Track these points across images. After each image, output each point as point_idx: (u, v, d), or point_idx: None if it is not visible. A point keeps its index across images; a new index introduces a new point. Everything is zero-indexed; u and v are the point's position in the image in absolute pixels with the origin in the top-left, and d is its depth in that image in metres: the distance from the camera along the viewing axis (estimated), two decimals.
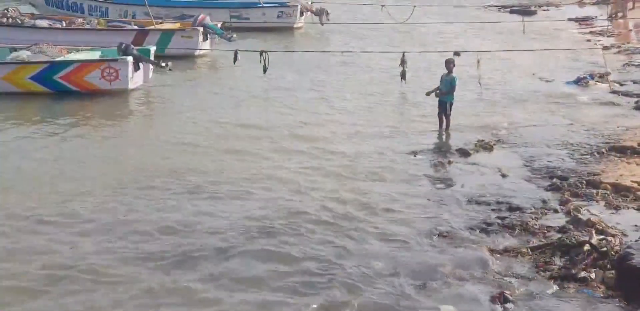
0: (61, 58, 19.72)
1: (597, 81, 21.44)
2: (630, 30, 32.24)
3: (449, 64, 16.60)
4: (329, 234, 10.89)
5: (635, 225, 11.30)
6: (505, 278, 9.72)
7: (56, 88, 19.17)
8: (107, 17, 29.94)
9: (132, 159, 14.34)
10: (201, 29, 25.09)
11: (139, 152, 14.79)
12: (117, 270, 9.72)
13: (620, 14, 34.39)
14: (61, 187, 12.64)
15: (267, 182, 13.01)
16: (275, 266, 9.92)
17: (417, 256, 10.32)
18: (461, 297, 9.28)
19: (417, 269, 9.93)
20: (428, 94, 17.00)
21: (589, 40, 29.02)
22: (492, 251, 10.46)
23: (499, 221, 11.47)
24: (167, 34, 24.83)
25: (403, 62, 20.65)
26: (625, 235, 10.82)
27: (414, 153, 14.92)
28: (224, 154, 14.58)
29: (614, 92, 20.58)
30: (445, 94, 16.55)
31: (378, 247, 10.58)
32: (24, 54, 19.57)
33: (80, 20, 26.26)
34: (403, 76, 20.60)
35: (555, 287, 9.50)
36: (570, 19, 34.57)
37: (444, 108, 16.60)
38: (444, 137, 16.29)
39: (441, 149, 15.27)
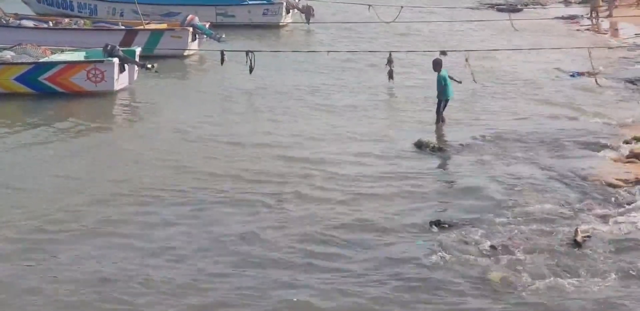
0: (45, 59, 19.63)
1: (589, 76, 21.51)
2: (616, 29, 32.40)
3: (436, 65, 16.83)
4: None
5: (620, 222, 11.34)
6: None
7: (41, 89, 19.09)
8: (96, 14, 30.01)
9: (118, 167, 14.07)
10: (191, 29, 25.06)
11: (125, 160, 14.52)
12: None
13: (606, 13, 34.63)
14: (40, 197, 12.30)
15: (270, 189, 12.66)
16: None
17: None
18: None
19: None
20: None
21: (576, 38, 29.14)
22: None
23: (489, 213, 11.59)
24: (157, 34, 24.77)
25: (390, 62, 20.73)
26: (610, 233, 10.88)
27: (415, 149, 15.05)
28: (210, 162, 14.23)
29: (601, 88, 20.67)
30: (440, 93, 16.77)
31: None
32: (8, 55, 19.47)
33: (67, 20, 26.15)
34: (390, 75, 20.65)
35: None
36: (557, 17, 34.70)
37: (441, 105, 16.84)
38: (440, 133, 16.42)
39: (437, 145, 15.22)
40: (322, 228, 11.11)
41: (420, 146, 15.14)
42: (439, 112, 16.88)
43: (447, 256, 10.09)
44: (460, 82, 17.69)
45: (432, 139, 15.62)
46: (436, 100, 17.01)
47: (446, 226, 11.07)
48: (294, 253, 10.31)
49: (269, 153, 14.75)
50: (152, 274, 9.68)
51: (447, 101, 16.89)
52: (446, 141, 15.81)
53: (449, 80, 16.89)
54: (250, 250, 10.37)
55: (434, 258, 10.07)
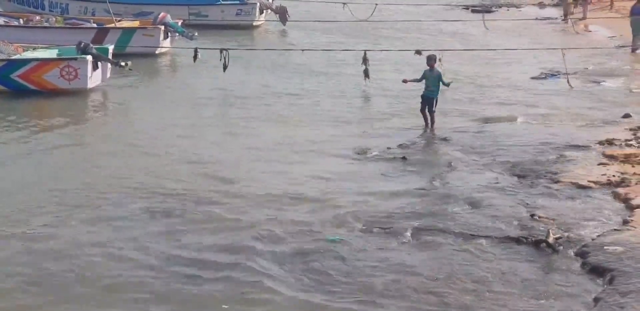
0: (18, 56, 19.48)
1: (564, 78, 21.61)
2: (590, 31, 32.63)
3: (431, 60, 16.59)
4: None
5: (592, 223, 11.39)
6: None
7: (14, 87, 18.96)
8: (68, 13, 29.80)
9: (89, 166, 13.93)
10: (163, 27, 25.00)
11: (96, 159, 14.40)
12: None
13: (579, 15, 34.95)
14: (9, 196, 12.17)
15: (240, 198, 12.38)
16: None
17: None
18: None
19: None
20: (405, 81, 16.98)
21: (551, 39, 29.35)
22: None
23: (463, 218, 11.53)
24: (128, 33, 24.71)
25: (365, 61, 20.71)
26: (582, 235, 10.89)
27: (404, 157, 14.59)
28: (185, 163, 14.04)
29: (574, 89, 20.81)
30: (431, 91, 16.48)
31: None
32: None
33: (38, 17, 26.02)
34: (366, 74, 20.62)
35: None
36: (531, 19, 34.95)
37: (430, 104, 16.51)
38: (431, 134, 16.26)
39: (379, 152, 14.99)
40: (245, 231, 11.01)
41: (360, 152, 14.85)
42: (430, 111, 16.51)
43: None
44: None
45: (383, 144, 15.28)
46: (420, 100, 16.70)
47: (385, 229, 10.98)
48: (214, 252, 10.31)
49: (213, 166, 14.07)
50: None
51: (433, 99, 16.48)
52: (406, 144, 15.44)
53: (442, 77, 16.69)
54: (177, 253, 10.32)
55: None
